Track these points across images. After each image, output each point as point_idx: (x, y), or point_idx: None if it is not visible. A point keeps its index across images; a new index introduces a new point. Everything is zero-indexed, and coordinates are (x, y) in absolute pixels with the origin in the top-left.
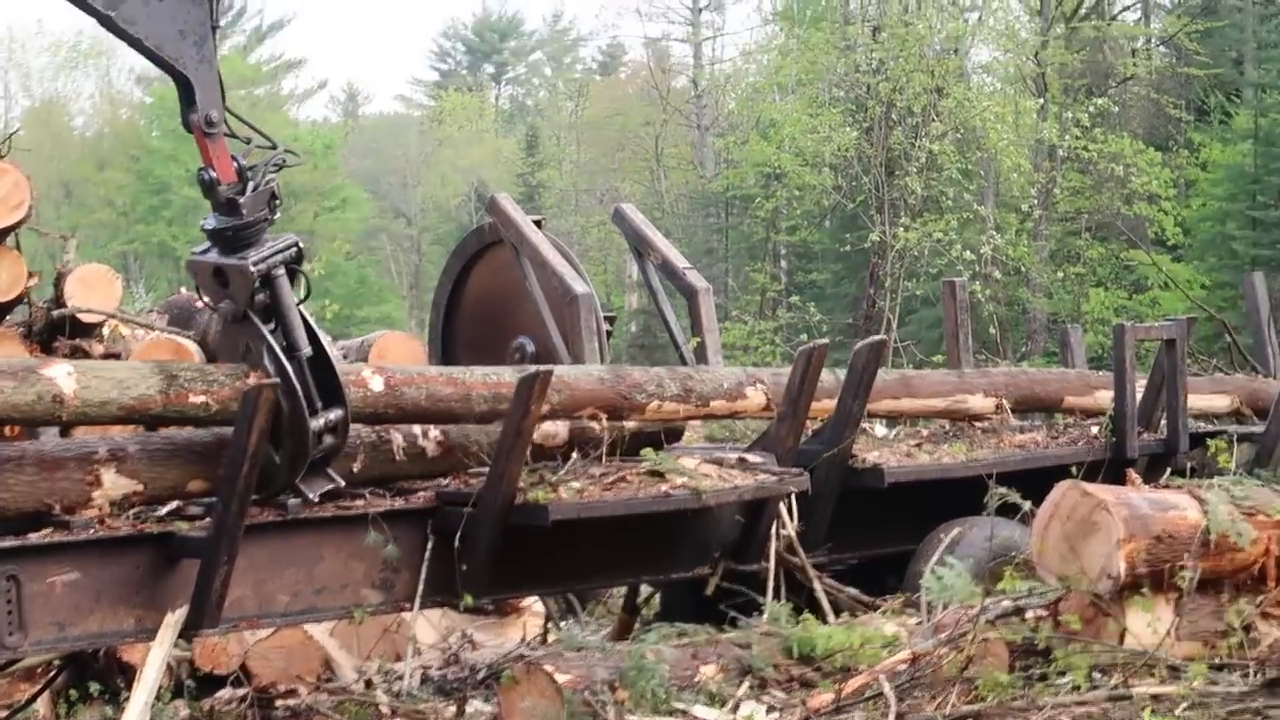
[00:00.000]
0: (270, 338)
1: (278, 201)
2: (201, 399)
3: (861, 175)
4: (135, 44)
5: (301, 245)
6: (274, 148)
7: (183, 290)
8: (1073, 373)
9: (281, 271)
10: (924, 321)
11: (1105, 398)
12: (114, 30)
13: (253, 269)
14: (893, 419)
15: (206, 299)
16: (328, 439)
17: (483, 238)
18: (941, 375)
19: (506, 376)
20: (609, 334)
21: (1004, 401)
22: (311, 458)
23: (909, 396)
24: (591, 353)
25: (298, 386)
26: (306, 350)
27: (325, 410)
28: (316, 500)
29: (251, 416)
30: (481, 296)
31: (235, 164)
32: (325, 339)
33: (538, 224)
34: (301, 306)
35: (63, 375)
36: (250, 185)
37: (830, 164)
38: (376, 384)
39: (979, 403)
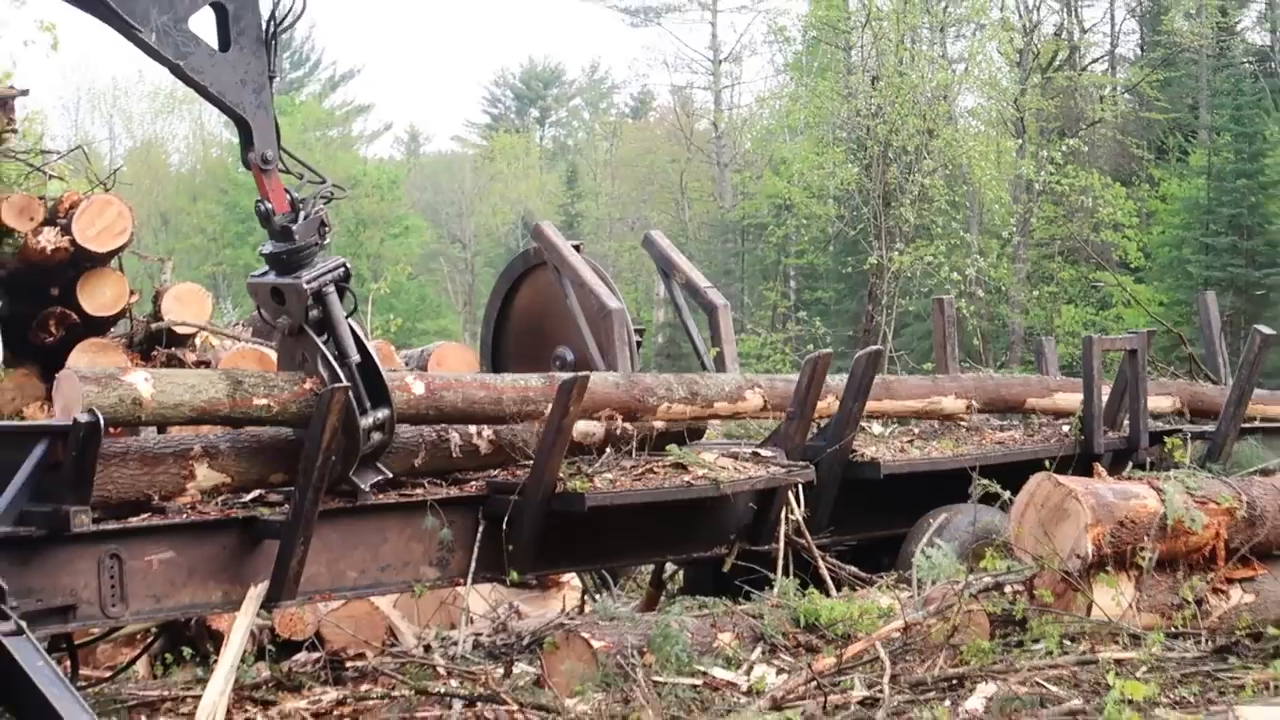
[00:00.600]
0: (324, 348)
1: (327, 228)
2: (264, 401)
3: (861, 206)
4: (201, 90)
5: (349, 266)
6: (323, 182)
7: None
8: (1034, 377)
9: (332, 289)
10: (916, 334)
11: (1063, 399)
12: (183, 78)
13: (306, 287)
14: (882, 419)
15: (266, 315)
16: (376, 435)
17: (528, 260)
18: (918, 379)
19: (533, 382)
20: (639, 344)
21: (973, 402)
22: (362, 452)
23: (889, 398)
24: (624, 361)
25: (348, 389)
26: (355, 357)
27: (374, 410)
28: (368, 490)
29: (325, 415)
30: (526, 311)
31: (289, 196)
32: (372, 347)
33: (576, 248)
34: (350, 319)
35: (141, 381)
36: (302, 214)
37: (834, 196)
38: (418, 388)
39: (951, 404)
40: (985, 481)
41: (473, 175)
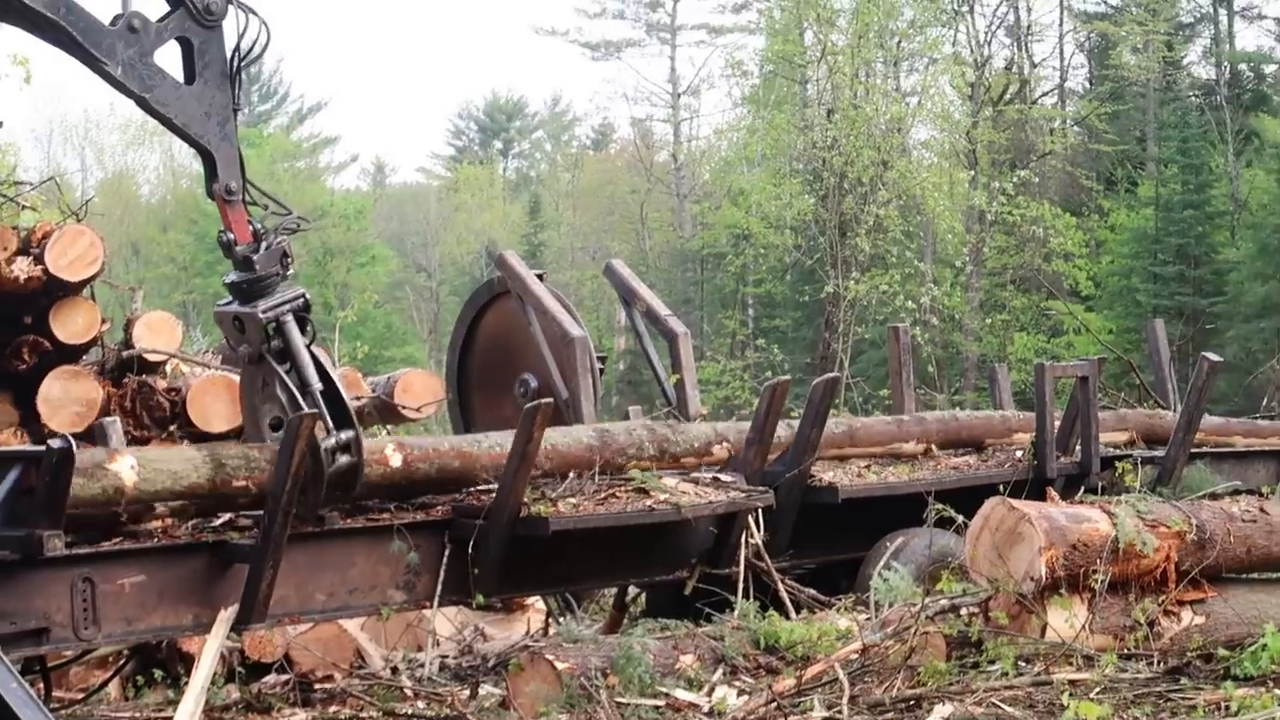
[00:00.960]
0: (284, 375)
1: (289, 259)
2: (243, 483)
3: (818, 236)
4: (167, 123)
5: (308, 297)
6: (288, 213)
7: None
8: (996, 416)
9: (290, 318)
10: (872, 360)
11: (1021, 439)
12: (149, 111)
13: (262, 316)
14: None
15: (230, 343)
16: (343, 458)
17: (493, 289)
18: (882, 425)
19: (508, 447)
20: (601, 371)
21: (932, 446)
22: (329, 474)
23: (852, 445)
24: (586, 388)
25: (316, 415)
26: (317, 385)
27: (338, 431)
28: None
29: (293, 441)
30: (492, 338)
31: (251, 227)
32: (336, 374)
33: (540, 277)
34: (316, 346)
35: (126, 469)
36: (264, 245)
37: (791, 226)
38: (395, 460)
39: (911, 448)
40: (940, 506)
41: (437, 206)
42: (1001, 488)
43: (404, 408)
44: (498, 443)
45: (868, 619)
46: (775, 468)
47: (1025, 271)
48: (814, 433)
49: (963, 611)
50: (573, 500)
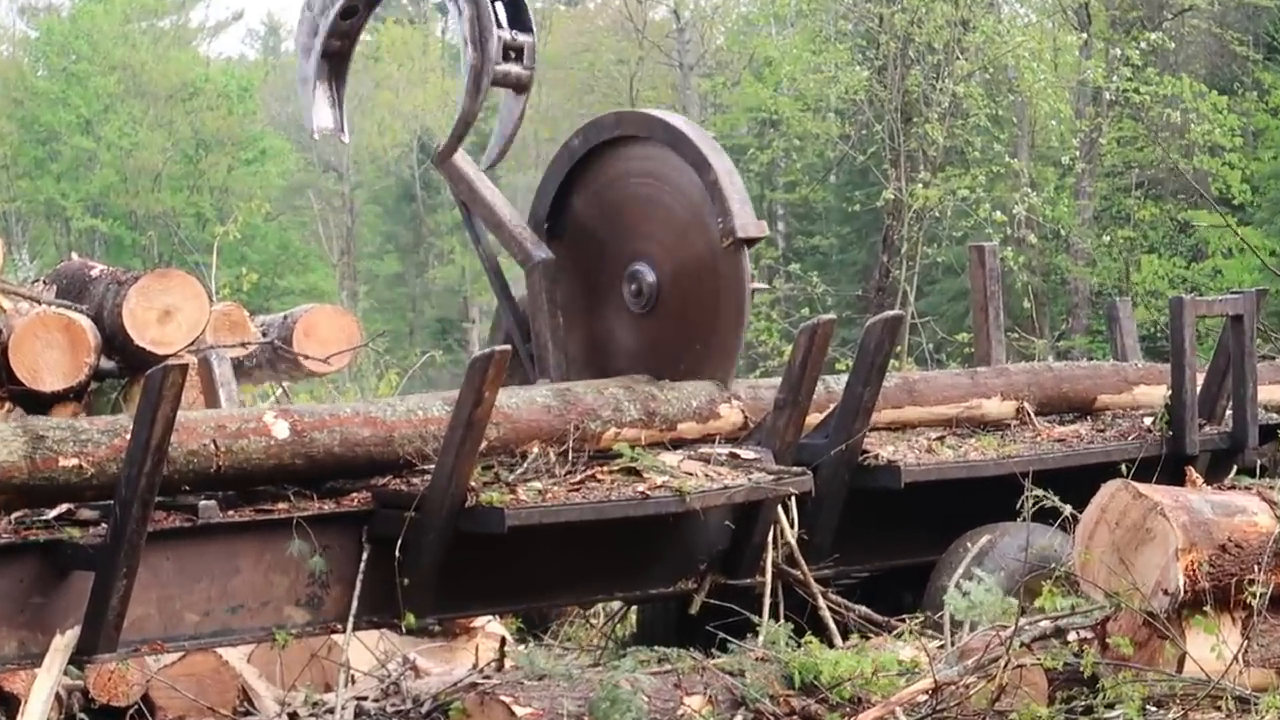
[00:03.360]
0: None
1: None
2: (74, 462)
3: (873, 123)
4: None
5: None
6: None
7: (74, 256)
8: (1107, 366)
9: None
10: (946, 293)
11: (1146, 394)
12: None
13: None
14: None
15: None
16: (512, 65)
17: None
18: (951, 377)
19: (435, 411)
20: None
21: (1025, 405)
22: (499, 79)
23: (913, 404)
24: (554, 329)
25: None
26: None
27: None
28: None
29: (156, 404)
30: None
31: None
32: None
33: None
34: None
35: None
36: None
37: (836, 109)
38: (280, 430)
39: (996, 407)
40: (1040, 492)
41: (352, 81)
42: (1124, 467)
43: (307, 358)
44: (418, 406)
45: (940, 647)
46: (814, 440)
47: (1157, 172)
48: (867, 392)
49: (1071, 637)
50: (537, 485)
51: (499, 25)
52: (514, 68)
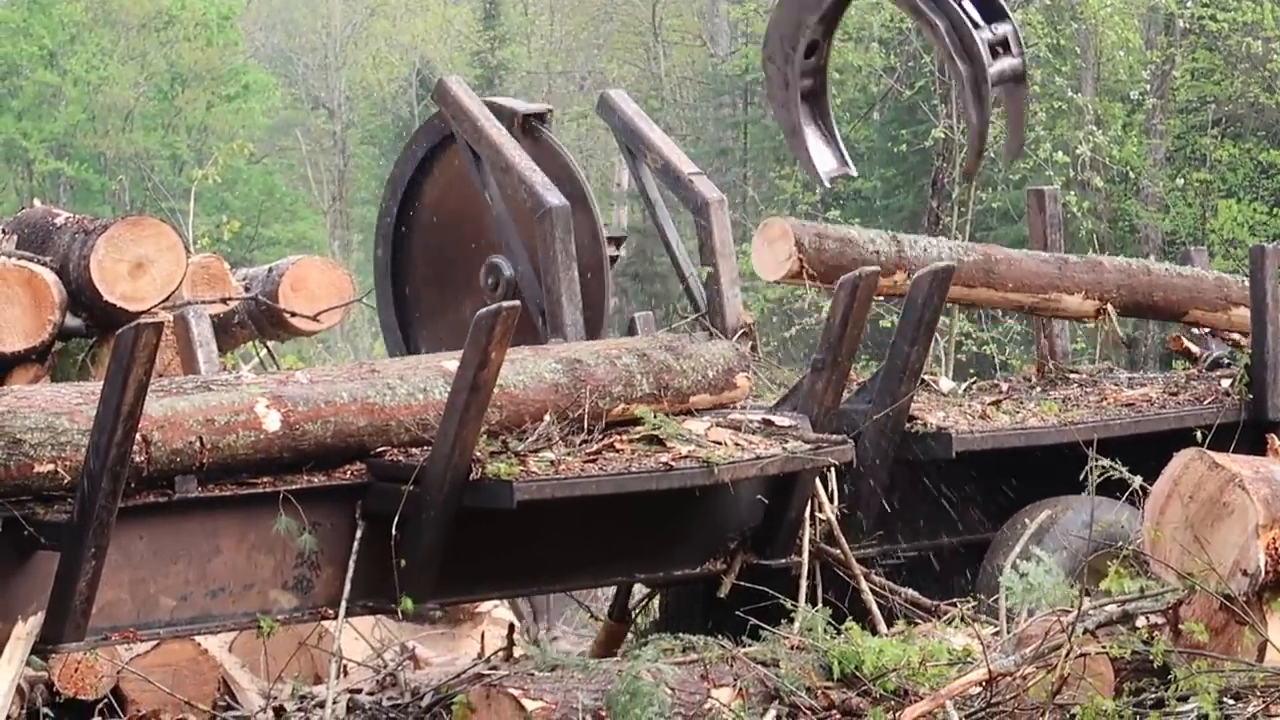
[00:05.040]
0: None
1: None
2: (49, 467)
3: (921, 53)
4: None
5: None
6: None
7: (36, 203)
8: (1209, 277)
9: None
10: (1002, 242)
11: (1244, 318)
12: None
13: None
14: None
15: None
16: (1003, 60)
17: (445, 128)
18: (1037, 263)
19: (437, 394)
20: (614, 260)
21: (1109, 306)
22: (994, 76)
23: (987, 286)
24: (569, 283)
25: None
26: None
27: (988, 23)
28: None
29: (127, 367)
30: (442, 207)
31: None
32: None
33: (541, 117)
34: None
35: None
36: None
37: (880, 39)
38: (271, 422)
39: (1077, 304)
40: (1106, 463)
41: (344, 9)
42: (1199, 434)
43: (295, 315)
44: (420, 387)
45: (996, 634)
46: (856, 404)
47: (1236, 108)
48: (915, 351)
49: (1139, 623)
50: (549, 456)
51: (975, 25)
52: (1005, 62)
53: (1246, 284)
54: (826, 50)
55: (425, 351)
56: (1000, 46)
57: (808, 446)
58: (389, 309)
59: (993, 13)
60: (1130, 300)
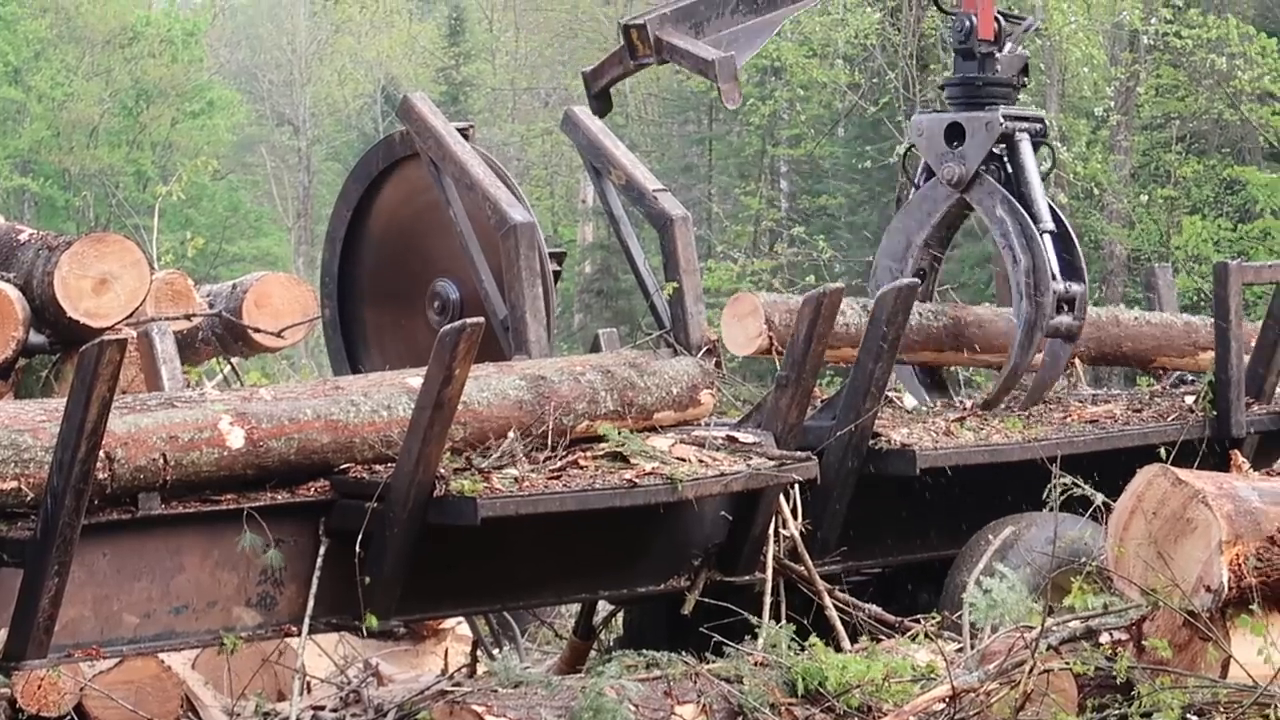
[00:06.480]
0: (1009, 197)
1: (1028, 76)
2: (12, 484)
3: (885, 70)
4: None
5: (1047, 123)
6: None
7: (0, 219)
8: (1179, 323)
9: (1026, 139)
10: (967, 259)
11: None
12: None
13: (1003, 124)
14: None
15: (921, 158)
16: (1064, 316)
17: (394, 150)
18: (1006, 323)
19: (401, 411)
20: (558, 276)
21: (1076, 362)
22: (1050, 327)
23: (956, 350)
24: (534, 300)
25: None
26: (1049, 224)
27: (1065, 280)
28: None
29: (91, 384)
30: (391, 226)
31: (997, 21)
32: (1069, 225)
33: (464, 133)
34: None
35: None
36: (1008, 41)
37: (845, 55)
38: (235, 439)
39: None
40: (1070, 479)
41: (309, 25)
42: (1163, 451)
43: (259, 331)
44: (384, 404)
45: (959, 650)
46: (820, 421)
47: (1200, 124)
48: (878, 368)
49: (1103, 639)
50: (513, 473)
51: (1053, 277)
52: (1065, 319)
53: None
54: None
55: (370, 368)
56: (1066, 304)
57: (772, 463)
58: (334, 326)
59: (1074, 273)
60: (1099, 352)
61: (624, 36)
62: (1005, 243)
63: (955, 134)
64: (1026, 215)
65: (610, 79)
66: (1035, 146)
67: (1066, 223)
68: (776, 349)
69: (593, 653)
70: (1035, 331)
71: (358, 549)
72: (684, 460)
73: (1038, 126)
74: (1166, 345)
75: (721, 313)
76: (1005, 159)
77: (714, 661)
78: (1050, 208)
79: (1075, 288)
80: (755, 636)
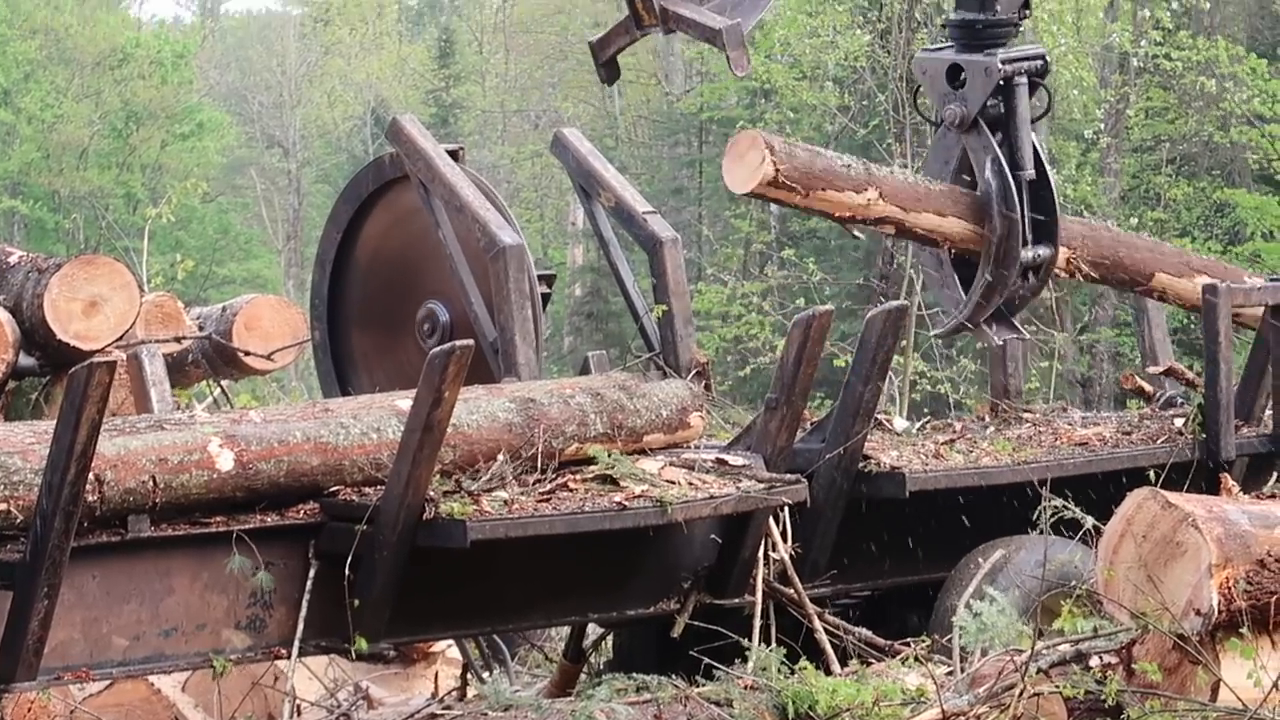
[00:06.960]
0: (996, 149)
1: (1029, 9)
2: (1, 507)
3: (875, 92)
4: None
5: (1048, 59)
6: None
7: None
8: (1168, 246)
9: (1024, 81)
10: None
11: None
12: None
13: (1001, 66)
14: None
15: (926, 98)
16: (1031, 278)
17: (383, 173)
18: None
19: (390, 434)
20: (547, 298)
21: (1079, 261)
22: (1010, 291)
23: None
24: (523, 322)
25: (1017, 207)
26: (1030, 172)
27: (1034, 245)
28: (998, 344)
29: (80, 406)
30: (381, 249)
31: None
32: (1051, 171)
33: (454, 155)
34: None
35: None
36: None
37: (835, 78)
38: (225, 462)
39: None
40: (1060, 502)
41: (299, 47)
42: (1152, 474)
43: (248, 354)
44: (374, 426)
45: (949, 674)
46: (810, 443)
47: (1190, 146)
48: (869, 390)
49: (1093, 662)
50: (502, 495)
51: (1024, 243)
52: (1022, 290)
53: (1205, 257)
54: None
55: (359, 390)
56: (1032, 271)
57: (761, 486)
58: (324, 349)
59: (1045, 237)
60: (1097, 254)
61: (629, 5)
62: (985, 203)
63: (956, 75)
64: (1011, 181)
65: (616, 49)
66: (1034, 87)
67: (1048, 170)
68: (783, 178)
69: (583, 676)
70: (994, 296)
71: (347, 571)
72: (674, 483)
73: (1038, 64)
74: (1161, 261)
75: (715, 325)
76: (999, 101)
77: (704, 685)
78: (1035, 152)
79: (1043, 252)
80: (745, 660)
